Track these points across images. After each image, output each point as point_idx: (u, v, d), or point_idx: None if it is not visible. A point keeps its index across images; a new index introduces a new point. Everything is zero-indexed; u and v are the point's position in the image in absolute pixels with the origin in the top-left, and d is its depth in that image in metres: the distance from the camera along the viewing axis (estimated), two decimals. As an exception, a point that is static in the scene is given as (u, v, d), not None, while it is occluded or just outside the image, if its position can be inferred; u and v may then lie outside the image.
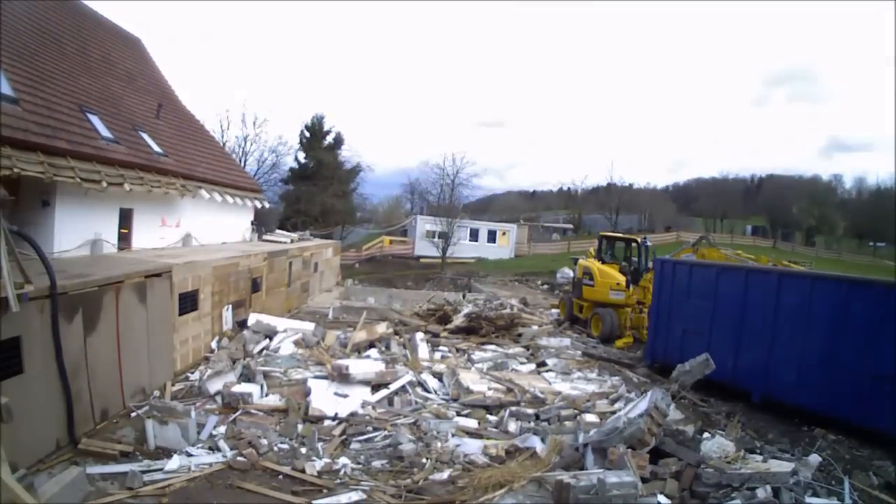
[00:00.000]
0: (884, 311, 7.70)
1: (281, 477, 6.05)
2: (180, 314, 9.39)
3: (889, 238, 47.67)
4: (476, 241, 37.70)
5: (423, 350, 11.42)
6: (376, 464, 6.57)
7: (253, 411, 7.76)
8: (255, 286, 13.18)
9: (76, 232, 9.65)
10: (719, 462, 5.94)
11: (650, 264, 14.14)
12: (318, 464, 6.33)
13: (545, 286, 26.28)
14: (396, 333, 12.42)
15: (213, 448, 6.61)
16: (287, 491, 5.72)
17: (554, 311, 17.74)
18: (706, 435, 7.01)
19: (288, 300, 15.76)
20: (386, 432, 7.33)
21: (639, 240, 15.95)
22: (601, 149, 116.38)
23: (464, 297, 15.05)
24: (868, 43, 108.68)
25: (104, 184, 9.55)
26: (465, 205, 44.45)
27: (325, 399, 8.14)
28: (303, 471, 6.14)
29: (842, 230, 57.08)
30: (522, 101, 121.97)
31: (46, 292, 5.90)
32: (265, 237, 19.02)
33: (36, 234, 7.21)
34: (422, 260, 34.77)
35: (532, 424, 7.86)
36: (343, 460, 6.54)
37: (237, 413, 7.61)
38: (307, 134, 42.30)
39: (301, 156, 42.08)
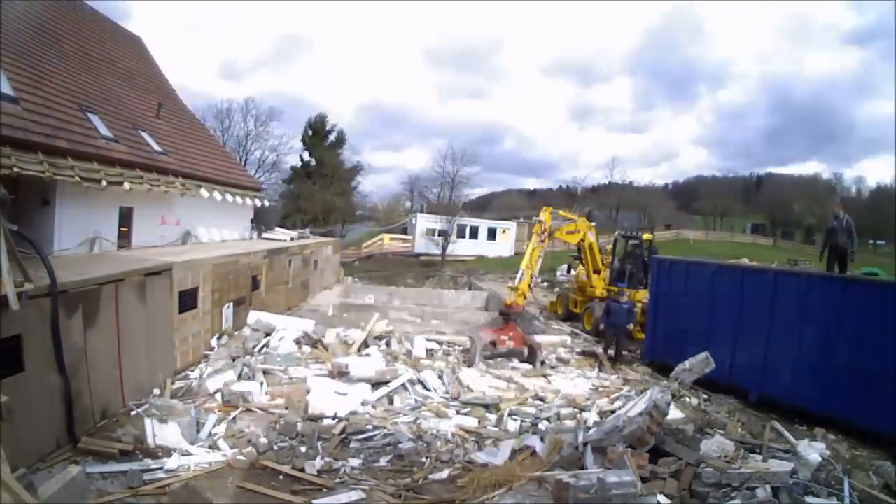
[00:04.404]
0: (881, 310, 7.70)
1: (281, 477, 6.05)
2: (180, 312, 9.40)
3: (889, 237, 47.58)
4: (476, 238, 37.65)
5: (423, 348, 11.43)
6: (376, 463, 6.58)
7: (253, 410, 7.77)
8: (255, 284, 13.19)
9: (76, 230, 9.65)
10: (719, 461, 5.94)
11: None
12: (318, 463, 6.33)
13: (545, 283, 26.23)
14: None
15: (213, 447, 6.61)
16: (287, 490, 5.73)
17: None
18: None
19: (288, 298, 15.77)
20: (386, 431, 7.34)
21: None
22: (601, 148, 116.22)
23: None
24: None
25: (104, 183, 9.55)
26: (464, 203, 44.42)
27: (325, 397, 8.14)
28: (302, 470, 6.14)
29: (842, 229, 56.85)
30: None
31: (46, 290, 5.89)
32: (265, 235, 19.02)
33: (36, 232, 7.22)
34: (422, 258, 34.73)
35: (531, 423, 7.88)
36: (342, 459, 6.54)
37: (237, 411, 7.62)
38: (310, 132, 42.35)
39: (304, 154, 42.18)
